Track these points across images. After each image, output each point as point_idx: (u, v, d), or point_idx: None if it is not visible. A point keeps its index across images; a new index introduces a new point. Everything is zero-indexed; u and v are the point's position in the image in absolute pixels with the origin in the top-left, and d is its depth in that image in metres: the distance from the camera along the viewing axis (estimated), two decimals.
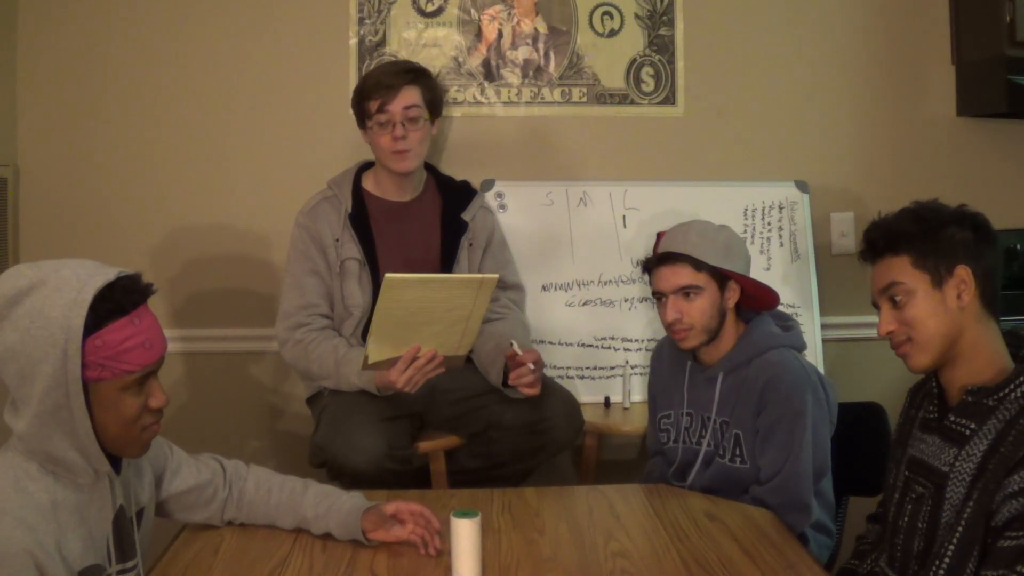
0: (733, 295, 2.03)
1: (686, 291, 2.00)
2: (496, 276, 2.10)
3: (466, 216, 2.50)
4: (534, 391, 2.22)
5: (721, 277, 2.01)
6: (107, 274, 1.34)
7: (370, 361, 2.11)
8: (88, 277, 1.32)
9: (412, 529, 1.63)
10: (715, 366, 2.04)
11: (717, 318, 2.02)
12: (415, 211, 2.49)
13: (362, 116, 2.41)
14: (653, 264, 2.05)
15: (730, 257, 2.03)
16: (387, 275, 1.97)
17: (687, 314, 1.99)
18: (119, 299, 1.34)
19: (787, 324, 2.09)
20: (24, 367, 1.30)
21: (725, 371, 2.02)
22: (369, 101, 2.37)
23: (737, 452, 1.98)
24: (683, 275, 2.00)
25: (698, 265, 1.99)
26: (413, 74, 2.42)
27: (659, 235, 2.11)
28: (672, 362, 2.17)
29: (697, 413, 2.07)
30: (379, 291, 2.33)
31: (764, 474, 1.93)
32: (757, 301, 2.07)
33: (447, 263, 2.45)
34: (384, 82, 2.38)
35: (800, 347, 2.05)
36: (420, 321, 2.07)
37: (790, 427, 1.90)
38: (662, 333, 2.70)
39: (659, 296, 2.05)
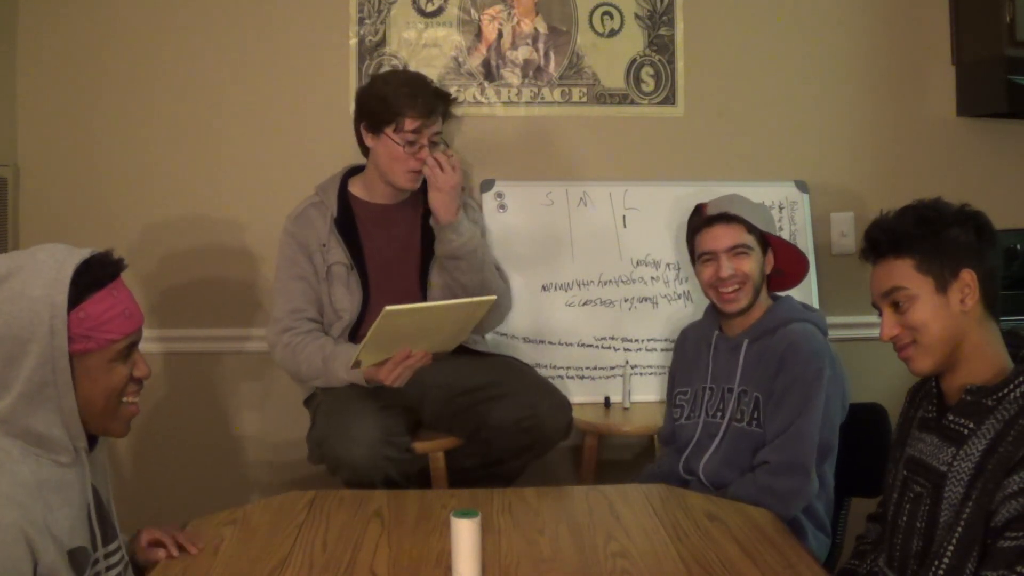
0: (770, 263, 2.16)
1: (738, 250, 2.11)
2: (493, 297, 2.18)
3: None
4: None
5: (763, 244, 2.14)
6: (82, 253, 1.42)
7: (362, 366, 2.17)
8: (64, 257, 1.39)
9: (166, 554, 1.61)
10: (741, 335, 2.13)
11: (762, 281, 2.14)
12: (400, 214, 2.49)
13: (381, 124, 2.38)
14: (703, 224, 2.16)
15: (771, 225, 2.20)
16: (386, 308, 2.01)
17: (739, 271, 2.11)
18: (96, 273, 1.41)
19: (811, 308, 2.20)
20: (10, 350, 1.35)
21: (750, 339, 2.10)
22: (406, 118, 2.35)
23: (755, 415, 2.04)
24: (737, 234, 2.12)
25: (750, 228, 2.13)
26: (444, 101, 2.47)
27: (700, 206, 2.21)
28: (697, 340, 2.25)
29: (718, 386, 2.13)
30: (369, 293, 2.38)
31: (770, 435, 1.99)
32: (784, 279, 2.21)
33: (428, 262, 2.46)
34: (424, 105, 2.37)
35: (823, 328, 2.13)
36: (415, 336, 2.14)
37: (805, 390, 1.97)
38: (661, 333, 2.74)
39: (708, 257, 2.15)
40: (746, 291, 2.11)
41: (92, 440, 1.48)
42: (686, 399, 2.21)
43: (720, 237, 2.13)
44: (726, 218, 2.13)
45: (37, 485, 1.35)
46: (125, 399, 1.47)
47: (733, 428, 2.07)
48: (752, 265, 2.12)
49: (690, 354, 2.26)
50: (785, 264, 2.20)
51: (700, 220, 2.18)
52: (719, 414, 2.10)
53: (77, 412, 1.40)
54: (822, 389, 1.97)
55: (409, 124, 2.35)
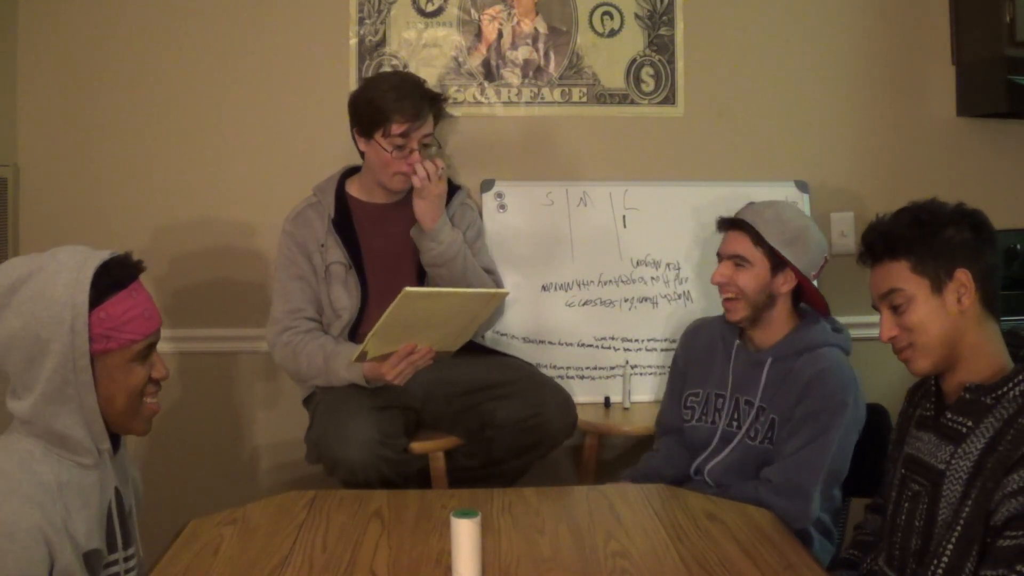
0: (786, 283, 2.06)
1: (737, 260, 2.06)
2: (507, 292, 2.19)
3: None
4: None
5: (776, 260, 2.05)
6: (101, 254, 1.43)
7: (368, 357, 2.16)
8: (84, 258, 1.41)
9: None
10: (764, 351, 2.07)
11: (763, 297, 2.06)
12: (397, 213, 2.48)
13: (371, 129, 2.37)
14: (725, 227, 2.13)
15: (795, 247, 2.06)
16: (405, 289, 2.00)
17: (731, 282, 2.05)
18: (116, 274, 1.42)
19: (837, 327, 2.11)
20: (31, 350, 1.36)
21: (774, 357, 2.05)
22: (392, 123, 2.33)
23: (769, 435, 2.01)
24: (739, 244, 2.07)
25: (757, 239, 2.05)
26: (433, 103, 2.43)
27: (751, 203, 2.16)
28: (715, 342, 2.20)
29: (732, 395, 2.10)
30: (367, 292, 2.39)
31: (780, 455, 1.96)
32: (815, 300, 2.11)
33: None
34: (412, 108, 2.34)
35: (848, 351, 2.08)
36: (425, 325, 2.12)
37: (825, 422, 1.93)
38: (661, 333, 2.74)
39: (719, 258, 2.12)
40: (741, 304, 2.06)
41: (116, 443, 1.49)
42: (697, 401, 2.18)
43: (725, 242, 2.11)
44: (737, 225, 2.09)
45: (58, 487, 1.36)
46: (145, 399, 1.48)
47: (744, 443, 2.05)
48: (747, 280, 2.05)
49: (702, 352, 2.22)
50: (807, 289, 2.11)
51: (724, 220, 2.14)
52: (735, 424, 2.08)
53: (99, 411, 1.41)
54: (842, 423, 1.93)
55: (396, 128, 2.34)
